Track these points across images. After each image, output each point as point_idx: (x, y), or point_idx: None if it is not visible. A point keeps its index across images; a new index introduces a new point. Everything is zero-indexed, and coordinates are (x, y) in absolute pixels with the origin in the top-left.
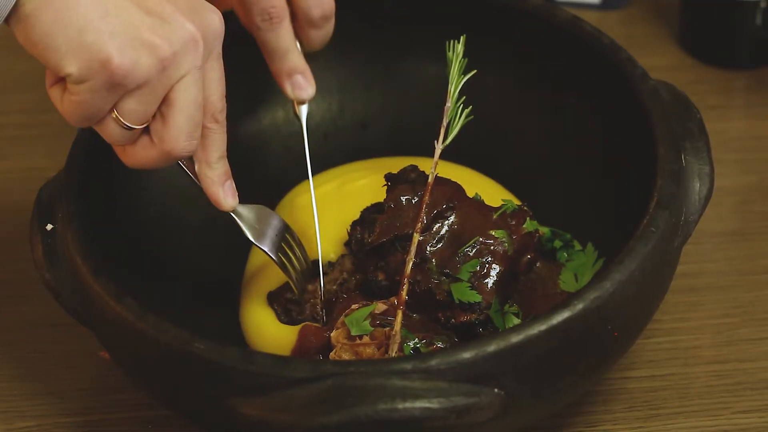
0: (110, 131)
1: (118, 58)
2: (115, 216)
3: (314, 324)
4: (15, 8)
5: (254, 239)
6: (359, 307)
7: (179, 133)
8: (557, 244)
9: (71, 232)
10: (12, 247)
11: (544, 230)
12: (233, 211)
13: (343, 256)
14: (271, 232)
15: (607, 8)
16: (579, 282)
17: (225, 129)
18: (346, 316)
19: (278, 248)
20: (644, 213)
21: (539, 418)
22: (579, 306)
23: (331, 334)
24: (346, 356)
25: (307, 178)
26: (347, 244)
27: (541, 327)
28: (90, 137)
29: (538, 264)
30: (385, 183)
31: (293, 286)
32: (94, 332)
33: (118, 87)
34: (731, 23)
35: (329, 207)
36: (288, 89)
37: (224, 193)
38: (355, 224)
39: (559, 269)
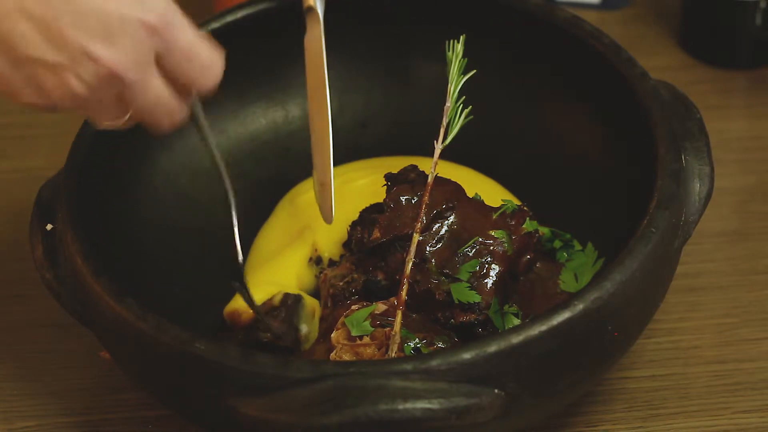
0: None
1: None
2: (115, 216)
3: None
4: None
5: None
6: (359, 308)
7: (158, 117)
8: (557, 244)
9: (71, 232)
10: (12, 247)
11: (543, 230)
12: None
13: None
14: None
15: (607, 8)
16: (579, 282)
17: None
18: (346, 316)
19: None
20: (644, 213)
21: (539, 419)
22: (579, 306)
23: (332, 335)
24: (346, 357)
25: (306, 178)
26: (347, 244)
27: (541, 327)
28: (90, 136)
29: (537, 264)
30: (385, 183)
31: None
32: (94, 332)
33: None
34: (731, 23)
35: None
36: None
37: None
38: (354, 224)
39: (559, 269)
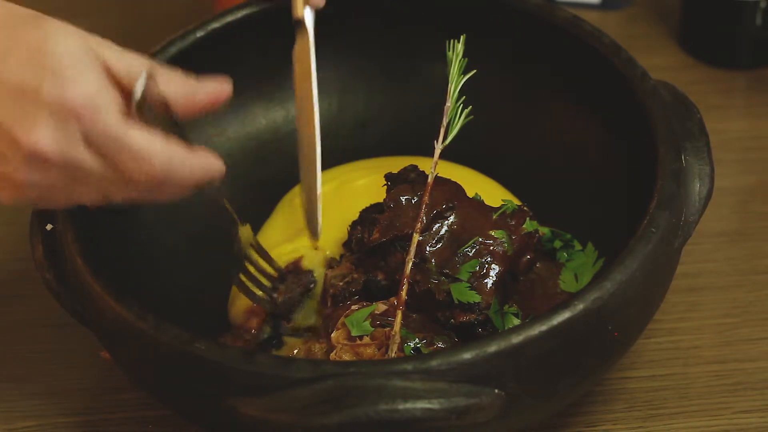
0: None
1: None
2: (115, 216)
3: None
4: None
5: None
6: (359, 308)
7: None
8: (557, 244)
9: (71, 232)
10: (12, 247)
11: (544, 230)
12: None
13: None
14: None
15: (607, 8)
16: (579, 282)
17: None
18: (346, 317)
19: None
20: (644, 213)
21: (540, 419)
22: (579, 306)
23: (332, 335)
24: (346, 357)
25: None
26: (347, 244)
27: (541, 327)
28: None
29: (537, 264)
30: (385, 183)
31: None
32: (94, 332)
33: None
34: (731, 23)
35: (329, 207)
36: None
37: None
38: (354, 224)
39: (559, 269)
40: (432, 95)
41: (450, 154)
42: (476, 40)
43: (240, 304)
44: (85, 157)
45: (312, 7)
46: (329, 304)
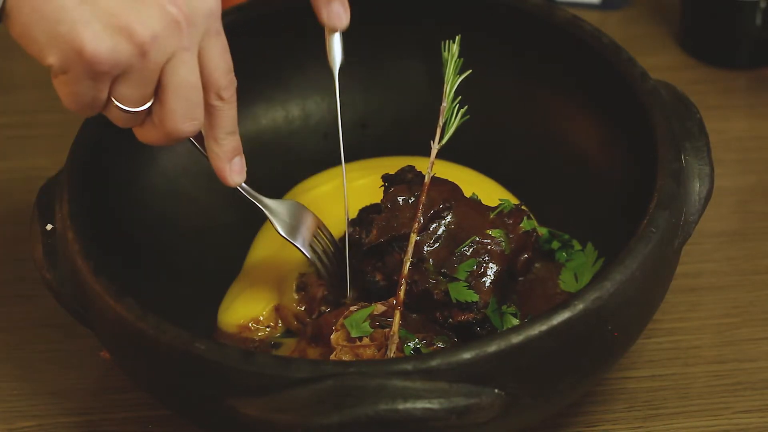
0: (114, 116)
1: (92, 46)
2: (116, 216)
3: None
4: (3, 5)
5: (285, 234)
6: (358, 309)
7: (176, 115)
8: (555, 245)
9: (71, 232)
10: (12, 247)
11: (542, 231)
12: (264, 206)
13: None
14: (304, 228)
15: (607, 8)
16: (579, 282)
17: (234, 105)
18: (345, 318)
19: (310, 243)
20: (644, 213)
21: (539, 419)
22: (579, 306)
23: (331, 336)
24: (346, 358)
25: (306, 178)
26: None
27: (541, 327)
28: (90, 136)
29: (537, 264)
30: (383, 184)
31: (323, 276)
32: (94, 332)
33: (100, 75)
34: (731, 23)
35: (328, 207)
36: (324, 16)
37: (230, 170)
38: (353, 223)
39: (559, 269)
40: (431, 95)
41: (449, 154)
42: (476, 40)
43: (234, 316)
44: (194, 61)
45: (335, 31)
46: (314, 315)
